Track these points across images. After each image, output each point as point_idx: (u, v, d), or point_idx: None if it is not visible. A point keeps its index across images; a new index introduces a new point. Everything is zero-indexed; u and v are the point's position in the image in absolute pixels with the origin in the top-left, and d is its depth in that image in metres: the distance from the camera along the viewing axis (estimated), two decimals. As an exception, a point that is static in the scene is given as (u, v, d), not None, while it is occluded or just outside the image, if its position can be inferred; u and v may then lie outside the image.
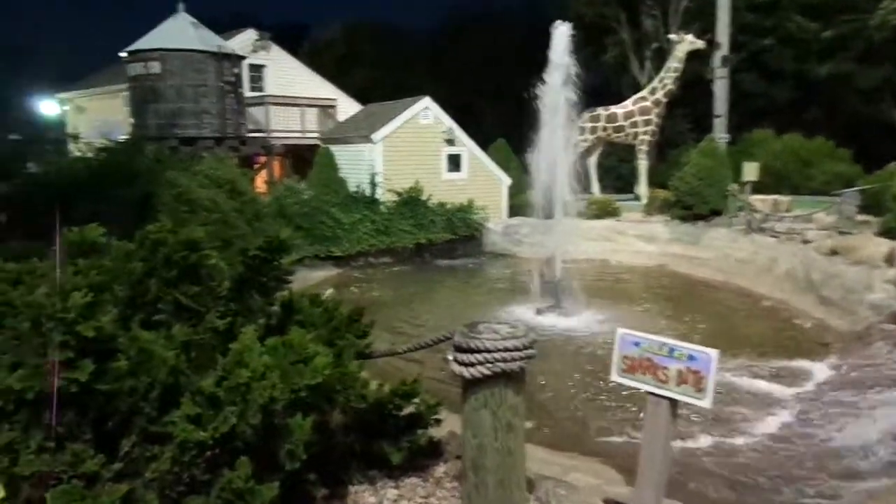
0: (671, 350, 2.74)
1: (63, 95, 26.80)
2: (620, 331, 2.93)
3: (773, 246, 13.59)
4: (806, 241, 12.93)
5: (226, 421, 2.39)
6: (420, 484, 3.55)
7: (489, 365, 2.89)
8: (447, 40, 39.13)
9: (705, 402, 2.63)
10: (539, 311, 10.90)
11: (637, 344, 2.85)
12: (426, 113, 18.60)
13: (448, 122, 18.96)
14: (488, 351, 2.89)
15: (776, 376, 8.28)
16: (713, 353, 2.63)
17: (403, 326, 10.85)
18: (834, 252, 11.74)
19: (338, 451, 3.45)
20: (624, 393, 7.42)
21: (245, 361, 2.51)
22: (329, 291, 13.05)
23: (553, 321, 10.49)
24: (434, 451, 3.81)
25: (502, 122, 26.77)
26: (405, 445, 3.43)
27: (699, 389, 2.65)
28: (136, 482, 2.35)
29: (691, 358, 2.68)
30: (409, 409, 3.59)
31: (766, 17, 25.03)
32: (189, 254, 2.48)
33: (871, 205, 13.65)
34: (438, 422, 3.68)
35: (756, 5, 24.68)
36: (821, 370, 8.45)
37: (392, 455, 3.42)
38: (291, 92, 21.28)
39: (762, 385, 8.02)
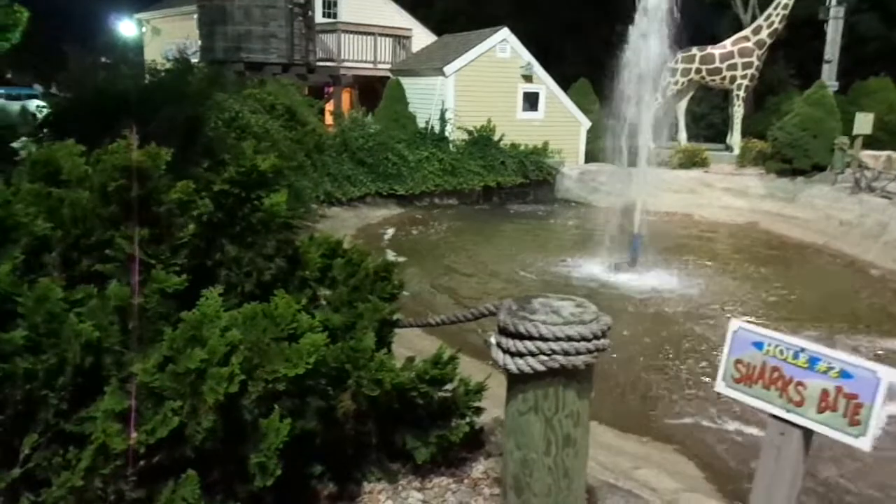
0: (813, 359, 1.88)
1: (141, 16, 26.71)
2: (735, 323, 2.07)
3: (885, 208, 12.05)
4: (925, 206, 11.37)
5: (166, 421, 1.70)
6: (451, 486, 2.85)
7: (544, 358, 2.10)
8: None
9: (863, 443, 1.77)
10: (614, 267, 9.95)
11: (759, 345, 1.99)
12: (503, 46, 17.37)
13: (527, 56, 17.68)
14: (543, 339, 2.09)
15: (887, 361, 7.15)
16: (884, 371, 1.76)
17: (455, 276, 10.16)
18: (961, 219, 10.23)
19: (349, 440, 2.77)
20: (703, 367, 6.53)
21: (203, 338, 1.81)
22: (389, 234, 12.44)
23: (628, 279, 9.54)
24: (473, 443, 3.09)
25: (586, 61, 25.07)
26: (433, 441, 2.71)
27: (854, 422, 1.79)
28: (42, 495, 1.70)
29: (845, 375, 1.81)
30: (442, 394, 2.86)
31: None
32: (126, 183, 1.77)
33: None
34: (479, 411, 2.94)
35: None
36: (945, 357, 7.26)
37: (417, 452, 2.72)
38: (366, 20, 20.31)
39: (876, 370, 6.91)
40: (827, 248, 12.15)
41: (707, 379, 6.21)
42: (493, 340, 2.30)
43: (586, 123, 18.72)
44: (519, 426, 2.25)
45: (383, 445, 2.84)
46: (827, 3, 19.09)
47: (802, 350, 1.90)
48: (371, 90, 19.48)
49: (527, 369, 2.13)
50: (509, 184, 16.29)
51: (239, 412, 1.90)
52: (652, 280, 9.43)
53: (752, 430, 5.21)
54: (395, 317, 2.87)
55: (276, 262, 2.45)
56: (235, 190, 1.93)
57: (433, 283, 9.56)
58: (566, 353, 2.10)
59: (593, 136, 18.47)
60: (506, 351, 2.20)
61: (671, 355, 6.90)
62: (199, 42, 16.28)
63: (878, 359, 7.16)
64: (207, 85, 8.77)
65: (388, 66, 19.69)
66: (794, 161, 14.32)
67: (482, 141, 16.28)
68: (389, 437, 2.80)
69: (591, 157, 18.50)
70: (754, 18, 20.21)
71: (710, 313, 8.21)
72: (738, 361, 2.04)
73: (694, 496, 3.58)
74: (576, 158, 18.57)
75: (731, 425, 5.43)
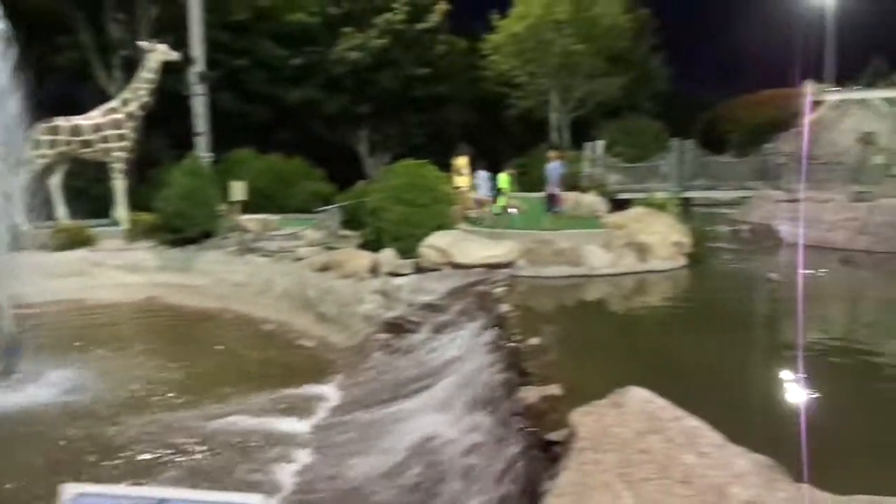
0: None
1: None
2: (69, 490, 1.41)
3: (268, 266, 13.23)
4: (298, 259, 12.91)
5: None
6: None
7: None
8: None
9: None
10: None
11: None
12: None
13: None
14: None
15: (288, 409, 7.59)
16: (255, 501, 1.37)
17: None
18: (325, 267, 11.90)
19: None
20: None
21: None
22: None
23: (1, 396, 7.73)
24: None
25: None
26: None
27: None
28: None
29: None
30: None
31: (239, 39, 25.19)
32: None
33: (350, 220, 14.56)
34: None
35: (228, 25, 24.54)
36: (331, 392, 8.12)
37: None
38: None
39: (274, 423, 7.21)
40: (226, 312, 12.57)
41: None
42: None
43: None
44: None
45: None
46: (189, 80, 20.26)
47: (142, 499, 1.38)
48: None
49: None
50: None
51: None
52: (34, 390, 7.86)
53: None
54: None
55: None
56: None
57: None
58: None
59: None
60: None
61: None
62: None
63: (287, 409, 7.52)
64: None
65: None
66: (183, 230, 14.50)
67: None
68: None
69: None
70: (121, 89, 19.91)
71: (109, 415, 7.26)
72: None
73: None
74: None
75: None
